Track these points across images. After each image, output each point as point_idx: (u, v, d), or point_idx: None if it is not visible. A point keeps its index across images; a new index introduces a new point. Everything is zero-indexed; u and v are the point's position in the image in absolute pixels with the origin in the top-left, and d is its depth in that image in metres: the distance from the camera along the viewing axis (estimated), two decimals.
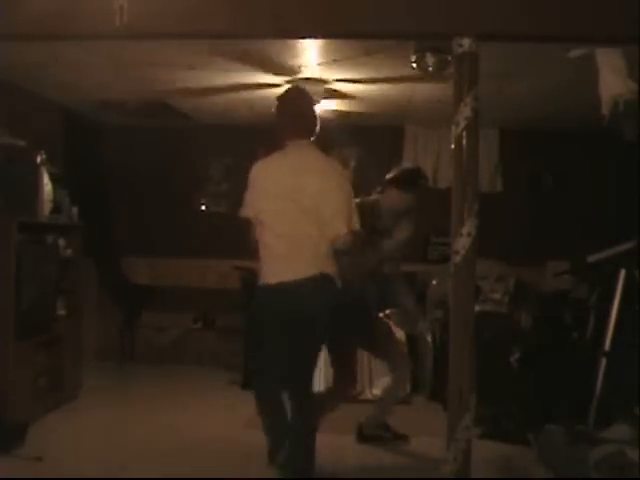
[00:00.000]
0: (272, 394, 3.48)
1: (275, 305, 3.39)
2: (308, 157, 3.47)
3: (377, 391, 5.36)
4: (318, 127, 3.58)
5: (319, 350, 3.55)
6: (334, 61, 4.74)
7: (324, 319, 3.36)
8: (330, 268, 3.37)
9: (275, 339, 3.40)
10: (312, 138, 3.55)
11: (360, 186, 4.11)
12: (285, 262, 3.35)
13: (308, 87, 5.12)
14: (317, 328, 3.38)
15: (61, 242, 5.08)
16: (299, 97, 3.65)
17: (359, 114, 6.23)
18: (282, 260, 3.36)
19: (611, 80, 3.64)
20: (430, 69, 4.44)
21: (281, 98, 3.64)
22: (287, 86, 5.26)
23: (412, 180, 4.23)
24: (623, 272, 4.20)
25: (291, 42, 4.31)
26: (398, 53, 4.43)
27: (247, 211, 3.48)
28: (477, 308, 3.82)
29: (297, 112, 3.53)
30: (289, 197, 3.35)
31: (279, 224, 3.38)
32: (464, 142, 3.02)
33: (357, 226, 3.43)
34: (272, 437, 3.48)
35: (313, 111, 3.63)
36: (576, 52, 3.79)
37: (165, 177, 7.07)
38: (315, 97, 5.25)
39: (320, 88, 5.26)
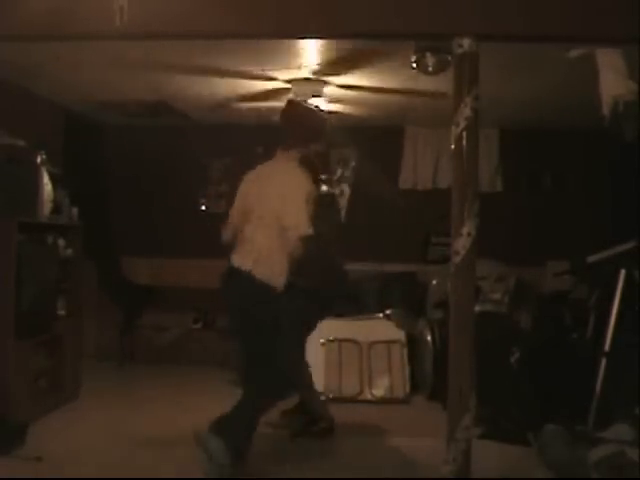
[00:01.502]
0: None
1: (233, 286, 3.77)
2: (278, 169, 3.79)
3: (377, 391, 5.36)
4: (314, 135, 3.76)
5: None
6: (334, 61, 4.73)
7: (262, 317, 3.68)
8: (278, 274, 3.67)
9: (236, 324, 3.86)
10: (312, 145, 3.72)
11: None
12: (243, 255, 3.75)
13: (308, 87, 5.15)
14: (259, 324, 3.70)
15: (61, 242, 5.08)
16: (291, 110, 3.96)
17: (359, 114, 6.23)
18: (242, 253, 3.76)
19: (611, 80, 3.64)
20: (430, 69, 4.44)
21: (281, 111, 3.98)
22: (287, 86, 5.29)
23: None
24: (623, 272, 4.20)
25: (291, 42, 4.31)
26: (398, 53, 4.43)
27: (234, 218, 3.92)
28: (477, 308, 3.82)
29: (287, 125, 3.84)
30: (254, 203, 3.74)
31: (246, 225, 3.75)
32: (464, 142, 3.02)
33: (307, 230, 3.61)
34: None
35: (303, 123, 3.81)
36: (576, 52, 3.79)
37: (165, 177, 7.07)
38: (315, 96, 5.27)
39: (320, 88, 5.26)
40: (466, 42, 3.02)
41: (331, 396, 5.21)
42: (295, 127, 3.78)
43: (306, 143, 3.77)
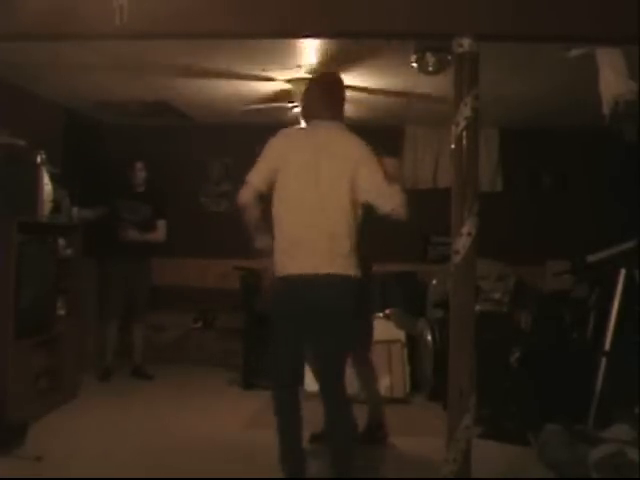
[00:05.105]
0: (290, 393, 3.36)
1: (297, 297, 3.23)
2: (332, 137, 3.39)
3: None
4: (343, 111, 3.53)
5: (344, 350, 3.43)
6: (334, 61, 4.73)
7: (342, 319, 3.25)
8: (350, 265, 3.28)
9: (296, 334, 3.29)
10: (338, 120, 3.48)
11: None
12: (303, 253, 3.21)
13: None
14: (337, 327, 3.25)
15: (61, 242, 5.08)
16: (330, 80, 3.61)
17: (359, 114, 6.23)
18: (300, 250, 3.22)
19: (611, 80, 3.64)
20: (430, 69, 4.44)
21: (314, 79, 3.71)
22: (287, 86, 5.28)
23: None
24: (623, 272, 4.20)
25: (291, 42, 4.31)
26: (398, 53, 4.43)
27: (257, 179, 3.29)
28: (477, 308, 3.81)
29: (325, 94, 3.45)
30: (311, 179, 3.24)
31: (299, 209, 3.26)
32: (464, 142, 3.01)
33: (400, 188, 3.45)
34: (285, 438, 3.34)
35: (341, 96, 3.54)
36: (576, 52, 3.79)
37: (165, 177, 7.06)
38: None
39: None
40: (466, 42, 3.01)
41: None
42: (338, 98, 3.49)
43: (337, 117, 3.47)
